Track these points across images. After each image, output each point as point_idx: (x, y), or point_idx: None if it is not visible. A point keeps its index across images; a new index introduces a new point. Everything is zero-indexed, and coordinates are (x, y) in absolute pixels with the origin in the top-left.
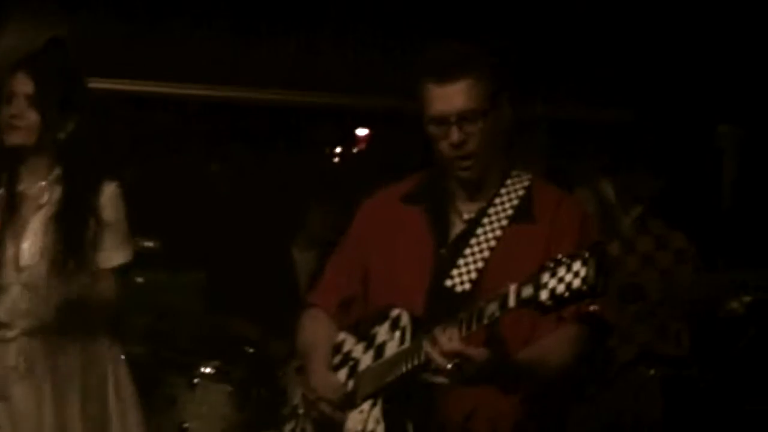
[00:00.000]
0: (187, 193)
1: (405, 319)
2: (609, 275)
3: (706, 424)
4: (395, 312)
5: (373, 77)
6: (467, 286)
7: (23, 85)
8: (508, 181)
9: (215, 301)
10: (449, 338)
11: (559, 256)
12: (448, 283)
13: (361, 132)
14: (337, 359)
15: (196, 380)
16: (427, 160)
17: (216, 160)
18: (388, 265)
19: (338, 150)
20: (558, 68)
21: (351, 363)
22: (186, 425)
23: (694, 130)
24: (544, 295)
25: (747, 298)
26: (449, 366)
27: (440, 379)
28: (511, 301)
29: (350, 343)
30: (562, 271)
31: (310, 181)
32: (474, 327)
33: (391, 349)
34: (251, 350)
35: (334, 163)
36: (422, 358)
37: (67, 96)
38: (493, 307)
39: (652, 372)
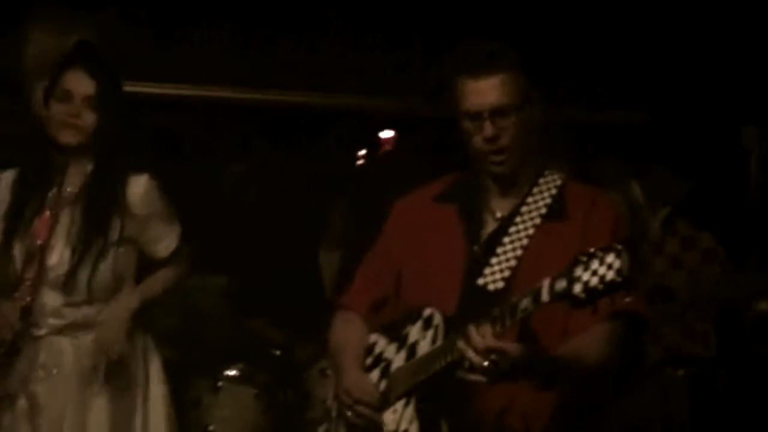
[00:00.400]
0: (213, 195)
1: (437, 319)
2: (642, 268)
3: (734, 425)
4: (427, 312)
5: (397, 79)
6: (500, 284)
7: (83, 85)
8: (541, 180)
9: (240, 303)
10: (483, 335)
11: (592, 249)
12: (481, 281)
13: (386, 134)
14: (369, 361)
15: (220, 383)
16: (451, 162)
17: (242, 163)
18: (421, 265)
19: (363, 152)
20: (583, 71)
21: (383, 364)
22: (211, 428)
23: (719, 130)
24: (577, 288)
25: None
26: (485, 363)
27: (476, 377)
28: (545, 296)
29: (382, 345)
30: (595, 264)
31: (334, 183)
32: (508, 323)
33: (423, 349)
34: (277, 353)
35: (359, 165)
36: (456, 355)
37: (119, 99)
38: (526, 302)
39: (680, 373)
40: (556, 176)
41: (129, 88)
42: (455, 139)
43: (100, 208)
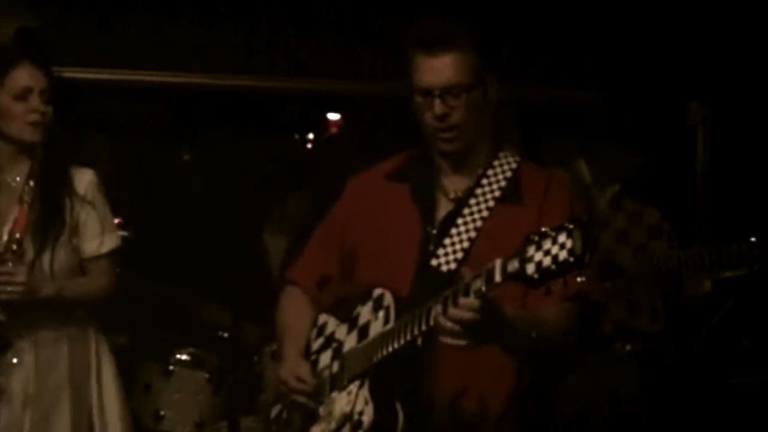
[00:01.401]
0: (158, 181)
1: (388, 299)
2: (595, 246)
3: (682, 399)
4: (377, 292)
5: (344, 61)
6: (453, 265)
7: (38, 80)
8: (496, 162)
9: (188, 288)
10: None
11: (544, 229)
12: (434, 262)
13: (333, 117)
14: (319, 342)
15: (171, 367)
16: (400, 143)
17: (186, 147)
18: (374, 244)
19: (310, 135)
20: (527, 50)
21: (335, 345)
22: (162, 412)
23: (665, 108)
24: (530, 268)
25: (725, 274)
26: (459, 329)
27: (454, 341)
28: (498, 276)
29: (333, 325)
30: (548, 244)
31: (281, 166)
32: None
33: (375, 330)
34: (225, 335)
35: (306, 149)
36: (409, 336)
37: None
38: (479, 283)
39: (628, 348)
40: (510, 158)
41: (70, 74)
42: (401, 121)
43: (55, 195)
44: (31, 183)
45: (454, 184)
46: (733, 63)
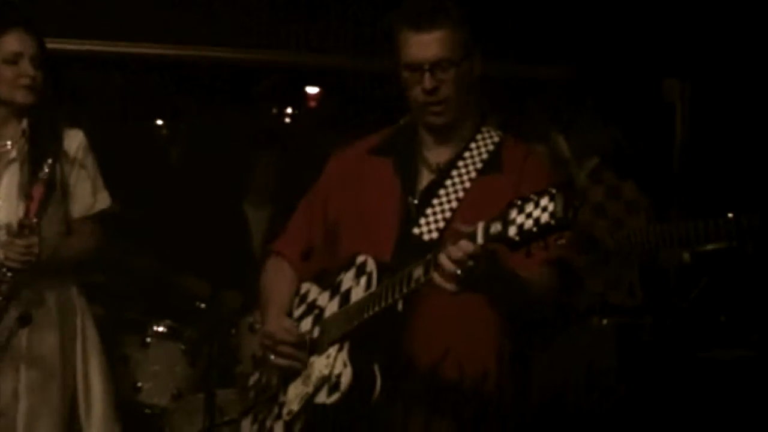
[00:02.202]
0: (136, 152)
1: (371, 265)
2: (577, 210)
3: (659, 373)
4: (360, 258)
5: (324, 34)
6: (435, 234)
7: (28, 45)
8: (478, 136)
9: (168, 260)
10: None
11: (527, 193)
12: (416, 231)
13: (312, 90)
14: (301, 309)
15: (148, 339)
16: (378, 117)
17: (165, 120)
18: (357, 216)
19: (289, 109)
20: (509, 26)
21: (316, 311)
22: (140, 384)
23: (643, 84)
24: (512, 230)
25: (702, 249)
26: (459, 272)
27: (447, 284)
28: (480, 238)
29: (315, 293)
30: (530, 207)
31: (260, 138)
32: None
33: (357, 295)
34: (203, 306)
35: (285, 121)
36: (389, 301)
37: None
38: (480, 230)
39: (605, 322)
40: (492, 133)
41: (49, 45)
42: (380, 94)
43: (45, 158)
44: (7, 145)
45: (436, 156)
46: (712, 39)
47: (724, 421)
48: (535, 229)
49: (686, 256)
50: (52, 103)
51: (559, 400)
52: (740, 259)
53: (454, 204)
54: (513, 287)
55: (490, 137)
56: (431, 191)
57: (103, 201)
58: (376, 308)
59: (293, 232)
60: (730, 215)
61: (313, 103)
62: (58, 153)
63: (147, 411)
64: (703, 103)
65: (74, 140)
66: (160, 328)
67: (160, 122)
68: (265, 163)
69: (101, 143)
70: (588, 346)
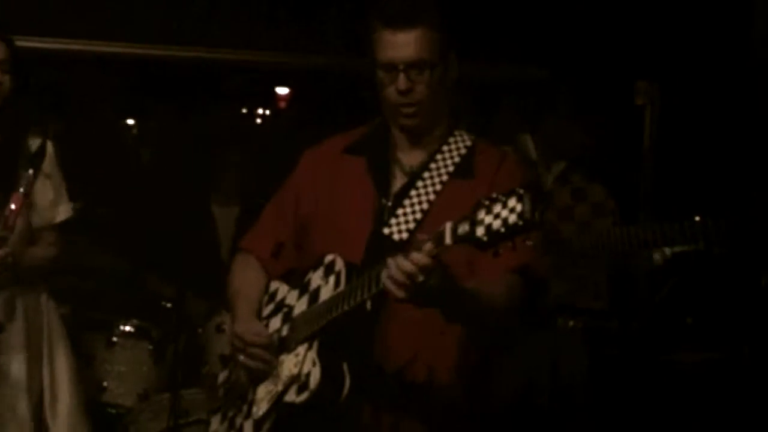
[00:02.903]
0: (104, 151)
1: (339, 264)
2: (544, 210)
3: (627, 374)
4: (329, 258)
5: (295, 35)
6: (405, 234)
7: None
8: (451, 139)
9: (135, 260)
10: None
11: (495, 194)
12: (387, 231)
13: (282, 91)
14: (270, 308)
15: (115, 339)
16: (348, 117)
17: (134, 119)
18: (329, 215)
19: (260, 110)
20: (475, 26)
21: (285, 310)
22: (105, 384)
23: (613, 87)
24: (480, 231)
25: (668, 251)
26: (405, 280)
27: (397, 291)
28: (448, 238)
29: (283, 291)
30: (498, 208)
31: (229, 138)
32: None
33: (326, 294)
34: (169, 305)
35: (255, 122)
36: (358, 299)
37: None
38: (429, 245)
39: (571, 324)
40: (465, 136)
41: (18, 42)
42: (351, 95)
43: (12, 163)
44: None
45: (409, 158)
46: (683, 42)
47: (690, 424)
48: (503, 229)
49: (657, 258)
50: (21, 110)
51: (525, 401)
52: (707, 262)
53: (425, 206)
54: (463, 300)
55: (463, 141)
56: (403, 193)
57: (66, 211)
58: (345, 307)
59: (263, 229)
60: (697, 218)
61: (283, 104)
62: (40, 164)
63: (112, 411)
64: (673, 107)
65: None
66: (127, 328)
67: (131, 122)
68: (233, 163)
69: (69, 143)
70: (554, 348)
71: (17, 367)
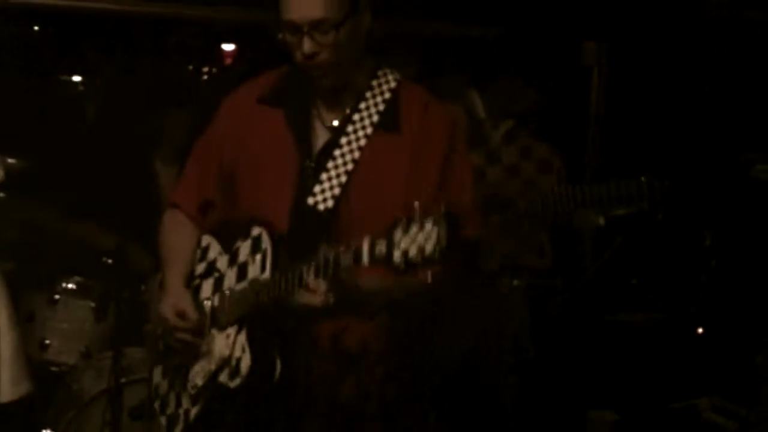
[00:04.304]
0: (46, 106)
1: (265, 241)
2: (455, 242)
3: (569, 335)
4: (256, 231)
5: None
6: (330, 203)
7: None
8: (374, 83)
9: (77, 216)
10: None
11: (415, 205)
12: (311, 201)
13: (227, 47)
14: (202, 266)
15: (57, 296)
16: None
17: (82, 76)
18: (251, 170)
19: (205, 67)
20: None
21: (216, 275)
22: (47, 341)
23: (560, 46)
24: (397, 256)
25: (613, 212)
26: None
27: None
28: (365, 258)
29: (215, 252)
30: (414, 230)
31: (173, 94)
32: (328, 275)
33: (253, 272)
34: (109, 261)
35: (201, 78)
36: (282, 293)
37: None
38: (347, 260)
39: (515, 283)
40: (390, 77)
41: None
42: None
43: None
44: None
45: (331, 111)
46: (630, 3)
47: (634, 384)
48: (419, 260)
49: (601, 219)
50: None
51: (470, 363)
52: (652, 222)
53: (350, 166)
54: (382, 298)
55: (387, 82)
56: (326, 152)
57: None
58: (269, 295)
59: (189, 183)
60: (642, 179)
61: (229, 60)
62: None
63: (55, 369)
64: (620, 67)
65: None
66: (69, 285)
67: (77, 79)
68: (177, 119)
69: (9, 97)
70: (497, 308)
71: None
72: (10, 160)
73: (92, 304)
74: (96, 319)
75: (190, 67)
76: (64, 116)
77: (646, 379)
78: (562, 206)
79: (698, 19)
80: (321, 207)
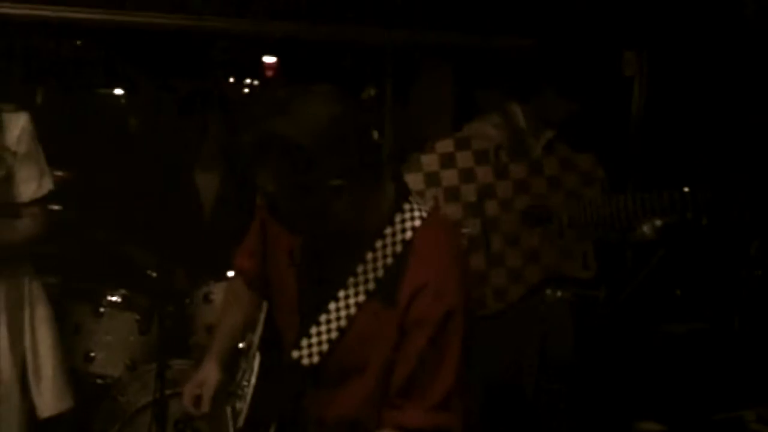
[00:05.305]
0: (90, 121)
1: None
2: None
3: (614, 345)
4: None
5: (282, 2)
6: (315, 359)
7: None
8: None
9: (121, 229)
10: None
11: None
12: (295, 355)
13: (269, 59)
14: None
15: (102, 309)
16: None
17: (120, 88)
18: (273, 280)
19: (247, 80)
20: None
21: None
22: (92, 354)
23: (601, 56)
24: None
25: (657, 222)
26: None
27: None
28: None
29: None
30: None
31: (211, 106)
32: None
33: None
34: (153, 275)
35: (242, 91)
36: None
37: None
38: None
39: (559, 294)
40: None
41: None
42: (338, 63)
43: None
44: None
45: None
46: (671, 12)
47: (677, 395)
48: None
49: (645, 229)
50: None
51: (513, 373)
52: (695, 232)
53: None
54: None
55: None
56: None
57: (48, 184)
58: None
59: (247, 249)
60: (685, 189)
61: (270, 73)
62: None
63: (100, 381)
64: (661, 77)
65: (16, 126)
66: (114, 298)
67: (119, 92)
68: (218, 132)
69: (55, 111)
70: (541, 319)
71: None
72: (56, 173)
73: (137, 317)
74: (141, 331)
75: (232, 80)
76: (107, 129)
77: (690, 390)
78: (605, 217)
79: (738, 26)
80: (306, 362)
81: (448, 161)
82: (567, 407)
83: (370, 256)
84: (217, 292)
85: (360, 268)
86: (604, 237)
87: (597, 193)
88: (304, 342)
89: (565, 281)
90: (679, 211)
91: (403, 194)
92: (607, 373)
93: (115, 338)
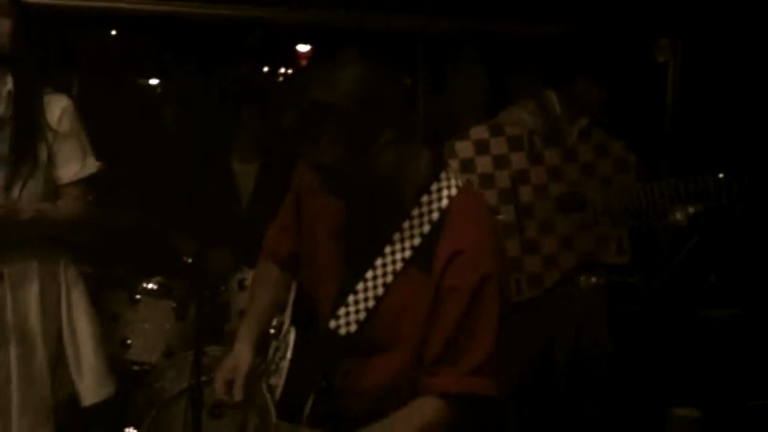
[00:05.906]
0: (125, 110)
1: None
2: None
3: (647, 331)
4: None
5: None
6: (353, 328)
7: None
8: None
9: (158, 217)
10: None
11: None
12: (332, 325)
13: (303, 48)
14: (275, 349)
15: (138, 296)
16: None
17: (159, 79)
18: (311, 251)
19: (281, 68)
20: None
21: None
22: (129, 341)
23: (635, 42)
24: None
25: (690, 209)
26: None
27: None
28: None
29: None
30: None
31: (249, 95)
32: None
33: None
34: (189, 261)
35: (277, 80)
36: None
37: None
38: None
39: (593, 280)
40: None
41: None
42: (371, 51)
43: (27, 132)
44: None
45: None
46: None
47: (712, 380)
48: None
49: (679, 215)
50: (33, 66)
51: (547, 359)
52: (730, 218)
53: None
54: None
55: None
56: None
57: (91, 166)
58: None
59: (279, 230)
60: (720, 175)
61: (304, 62)
62: (42, 123)
63: (136, 368)
64: (695, 63)
65: (57, 106)
66: (150, 285)
67: (154, 82)
68: (250, 117)
69: (91, 100)
70: (576, 305)
71: (33, 321)
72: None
73: (173, 304)
74: (177, 318)
75: (266, 69)
76: (144, 119)
77: (726, 376)
78: (639, 203)
79: None
80: (342, 332)
81: (482, 148)
82: (602, 393)
83: (407, 224)
84: (251, 278)
85: (397, 236)
86: (638, 223)
87: (631, 180)
88: (342, 311)
89: (599, 267)
90: (713, 198)
91: (440, 163)
92: (642, 358)
93: (151, 325)
